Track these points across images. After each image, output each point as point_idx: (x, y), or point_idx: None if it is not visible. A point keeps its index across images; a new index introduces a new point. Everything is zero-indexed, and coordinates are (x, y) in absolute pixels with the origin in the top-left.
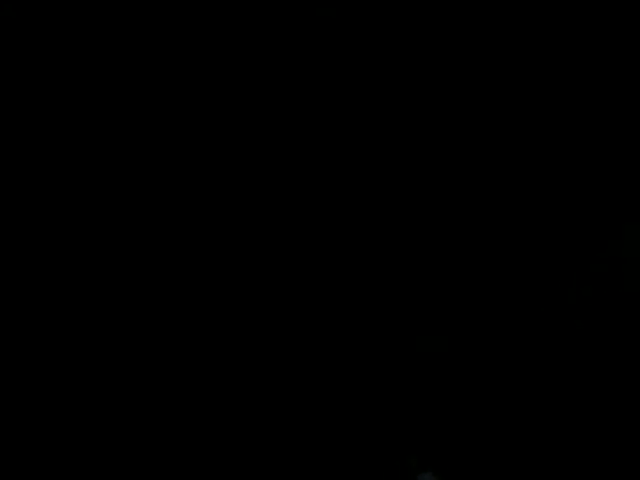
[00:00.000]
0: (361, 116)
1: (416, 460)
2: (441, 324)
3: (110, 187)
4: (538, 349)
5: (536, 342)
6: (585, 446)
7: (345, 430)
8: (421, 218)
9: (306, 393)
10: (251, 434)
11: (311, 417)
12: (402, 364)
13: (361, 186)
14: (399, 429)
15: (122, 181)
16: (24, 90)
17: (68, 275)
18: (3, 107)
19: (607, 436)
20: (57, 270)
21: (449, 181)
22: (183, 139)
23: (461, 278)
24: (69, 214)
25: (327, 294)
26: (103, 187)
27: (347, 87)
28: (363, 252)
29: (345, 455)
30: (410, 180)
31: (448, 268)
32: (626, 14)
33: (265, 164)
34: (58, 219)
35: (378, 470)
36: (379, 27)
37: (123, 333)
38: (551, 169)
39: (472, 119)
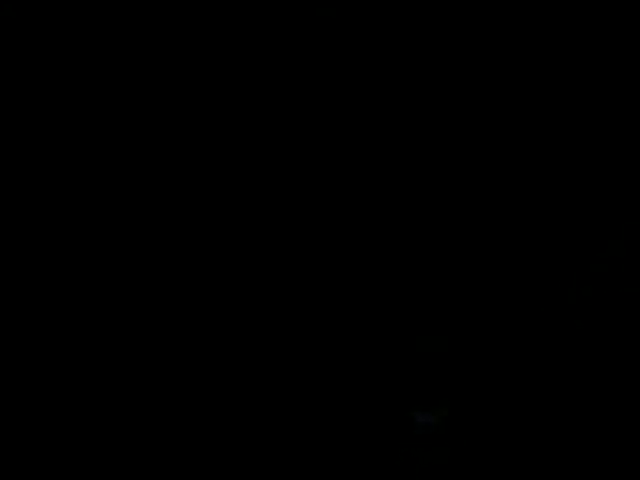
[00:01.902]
0: (362, 116)
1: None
2: (441, 324)
3: (110, 187)
4: (538, 349)
5: (536, 342)
6: (584, 447)
7: (343, 430)
8: (420, 218)
9: (304, 393)
10: (247, 427)
11: (309, 417)
12: (402, 364)
13: (361, 186)
14: (399, 427)
15: (122, 181)
16: (24, 90)
17: (68, 274)
18: (3, 107)
19: (606, 436)
20: (57, 269)
21: (448, 181)
22: (183, 139)
23: (461, 278)
24: (69, 214)
25: (326, 294)
26: (103, 187)
27: (347, 87)
28: (363, 252)
29: (342, 453)
30: (410, 180)
31: (447, 268)
32: (626, 14)
33: (265, 164)
34: (58, 219)
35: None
36: (380, 27)
37: (122, 333)
38: (551, 169)
39: (472, 119)
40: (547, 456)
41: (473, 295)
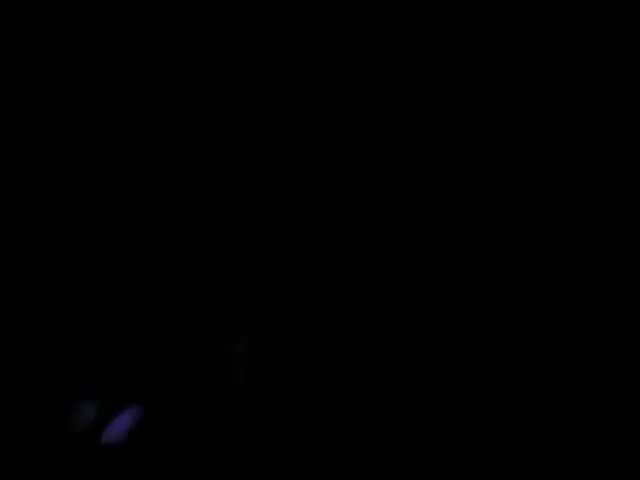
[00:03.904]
0: (364, 118)
1: None
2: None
3: (110, 187)
4: (537, 349)
5: (535, 342)
6: (584, 450)
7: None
8: (419, 218)
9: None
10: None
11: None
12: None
13: (361, 187)
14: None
15: (122, 181)
16: (24, 91)
17: (66, 274)
18: (3, 108)
19: (606, 438)
20: (56, 269)
21: (447, 181)
22: (183, 140)
23: (459, 278)
24: (69, 214)
25: (325, 293)
26: (103, 187)
27: (350, 89)
28: (362, 251)
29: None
30: (409, 181)
31: (445, 269)
32: (626, 14)
33: (266, 165)
34: (57, 219)
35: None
36: (383, 30)
37: (121, 333)
38: (550, 169)
39: (472, 120)
40: (546, 459)
41: (472, 294)
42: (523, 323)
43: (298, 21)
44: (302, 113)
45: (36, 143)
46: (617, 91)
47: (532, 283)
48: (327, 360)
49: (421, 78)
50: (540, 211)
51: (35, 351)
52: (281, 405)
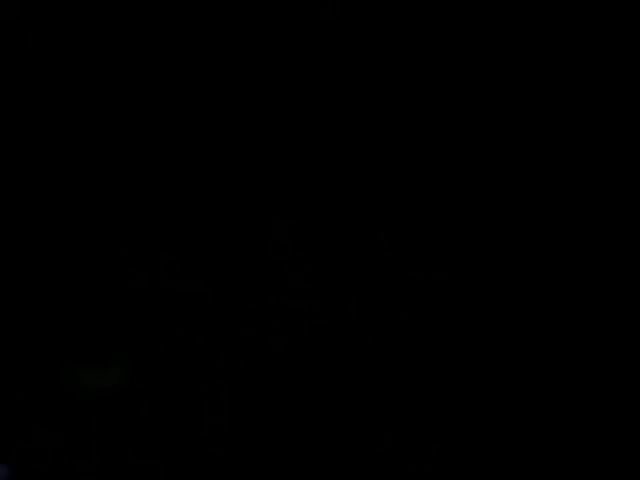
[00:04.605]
0: (365, 119)
1: None
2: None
3: (110, 187)
4: (537, 349)
5: (535, 342)
6: (584, 450)
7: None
8: (419, 218)
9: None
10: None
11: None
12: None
13: (361, 187)
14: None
15: (122, 181)
16: (24, 91)
17: (66, 273)
18: (3, 108)
19: (606, 441)
20: (56, 269)
21: (447, 181)
22: (183, 140)
23: (459, 278)
24: (69, 214)
25: (325, 293)
26: (103, 187)
27: (350, 89)
28: (361, 251)
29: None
30: (409, 181)
31: (445, 269)
32: (626, 14)
33: (266, 165)
34: (58, 219)
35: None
36: (384, 31)
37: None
38: (550, 168)
39: (472, 120)
40: (545, 459)
41: (471, 293)
42: (523, 323)
43: (298, 21)
44: (302, 113)
45: (36, 143)
46: (617, 91)
47: (532, 283)
48: (327, 360)
49: (421, 78)
50: (540, 211)
51: (34, 351)
52: (281, 405)
